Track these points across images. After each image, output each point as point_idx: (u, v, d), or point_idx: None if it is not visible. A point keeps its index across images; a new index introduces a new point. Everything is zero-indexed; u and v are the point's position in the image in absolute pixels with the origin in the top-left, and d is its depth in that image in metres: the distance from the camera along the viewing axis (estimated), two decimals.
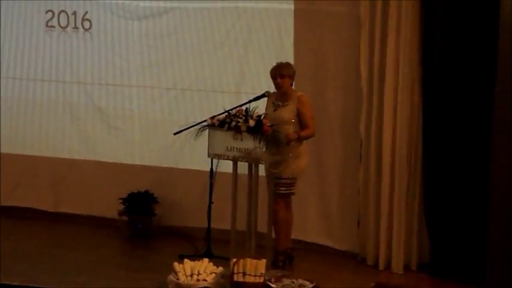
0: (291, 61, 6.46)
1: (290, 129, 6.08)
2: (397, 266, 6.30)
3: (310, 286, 5.68)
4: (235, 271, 5.64)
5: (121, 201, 7.11)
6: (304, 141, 6.19)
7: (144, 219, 7.04)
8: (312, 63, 6.67)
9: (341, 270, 6.32)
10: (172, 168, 7.21)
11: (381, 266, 6.37)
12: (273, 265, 6.10)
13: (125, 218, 7.09)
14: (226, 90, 7.06)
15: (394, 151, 6.30)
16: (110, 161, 7.42)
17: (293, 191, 6.18)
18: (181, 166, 7.21)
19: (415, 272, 6.32)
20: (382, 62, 6.31)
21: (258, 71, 6.94)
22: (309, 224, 6.78)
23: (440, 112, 6.15)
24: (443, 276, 6.13)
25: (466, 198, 6.07)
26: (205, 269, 5.75)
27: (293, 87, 6.25)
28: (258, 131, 5.89)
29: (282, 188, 6.12)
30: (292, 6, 6.76)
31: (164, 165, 7.26)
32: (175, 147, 7.17)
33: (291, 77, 6.17)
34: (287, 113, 6.13)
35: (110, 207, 7.25)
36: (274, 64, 6.30)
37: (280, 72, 6.17)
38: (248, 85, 6.98)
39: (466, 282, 6.00)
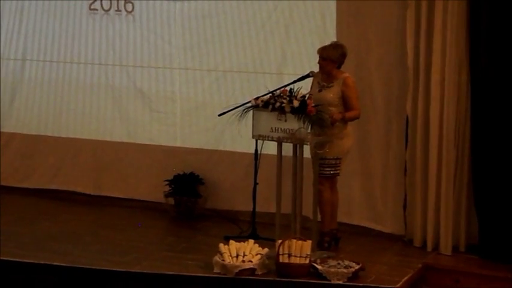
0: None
1: (334, 111, 6.01)
2: (446, 248, 6.21)
3: (357, 267, 5.64)
4: (281, 252, 5.62)
5: (167, 183, 7.12)
6: (349, 123, 6.12)
7: (189, 200, 7.05)
8: (355, 43, 6.57)
9: (387, 251, 6.26)
10: (216, 151, 7.20)
11: (429, 247, 6.28)
12: (318, 246, 6.07)
13: (171, 199, 7.11)
14: (267, 71, 7.02)
15: (441, 130, 6.20)
16: (152, 143, 7.44)
17: (338, 171, 6.13)
18: (223, 148, 7.20)
19: (464, 253, 6.23)
20: (429, 42, 6.20)
21: (299, 52, 6.89)
22: (353, 206, 6.71)
23: (488, 90, 6.03)
24: (492, 258, 6.03)
25: None
26: (251, 250, 5.74)
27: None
28: (302, 112, 5.84)
29: (327, 169, 6.07)
30: None
31: (206, 148, 7.25)
32: (217, 129, 7.15)
33: (334, 61, 6.06)
34: (331, 94, 6.06)
35: (152, 190, 7.29)
36: (318, 44, 6.24)
37: (321, 54, 6.10)
38: (290, 66, 6.93)
39: None
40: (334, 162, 6.08)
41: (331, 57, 6.06)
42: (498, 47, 5.98)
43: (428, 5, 6.20)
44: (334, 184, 6.20)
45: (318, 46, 6.23)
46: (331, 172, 6.09)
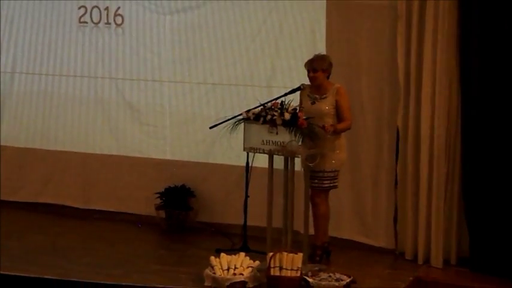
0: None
1: (330, 121, 6.02)
2: (437, 261, 6.22)
3: (348, 280, 5.64)
4: (272, 265, 5.61)
5: (158, 195, 7.10)
6: (343, 134, 6.14)
7: (181, 213, 7.03)
8: (344, 57, 6.60)
9: (379, 264, 6.27)
10: (205, 164, 7.19)
11: (420, 260, 6.30)
12: (310, 259, 6.06)
13: (161, 212, 7.08)
14: (257, 84, 7.03)
15: (432, 144, 6.23)
16: (142, 156, 7.41)
17: (336, 184, 6.13)
18: (213, 161, 7.18)
19: (455, 266, 6.25)
20: (420, 54, 6.24)
21: (289, 65, 6.91)
22: (343, 220, 6.70)
23: (479, 103, 6.07)
24: (483, 271, 6.05)
25: (505, 191, 5.99)
26: (242, 263, 5.74)
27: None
28: (293, 125, 5.85)
29: (325, 182, 6.06)
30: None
31: (196, 161, 7.23)
32: (206, 142, 7.15)
33: (325, 70, 6.10)
34: (326, 105, 6.08)
35: (142, 203, 7.25)
36: (307, 58, 6.24)
37: (312, 66, 6.11)
38: (279, 79, 6.95)
39: (507, 277, 5.91)
40: (332, 175, 6.08)
41: (323, 67, 6.08)
42: (488, 61, 6.01)
43: (419, 19, 6.24)
44: (327, 197, 6.20)
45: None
46: (330, 185, 6.09)
